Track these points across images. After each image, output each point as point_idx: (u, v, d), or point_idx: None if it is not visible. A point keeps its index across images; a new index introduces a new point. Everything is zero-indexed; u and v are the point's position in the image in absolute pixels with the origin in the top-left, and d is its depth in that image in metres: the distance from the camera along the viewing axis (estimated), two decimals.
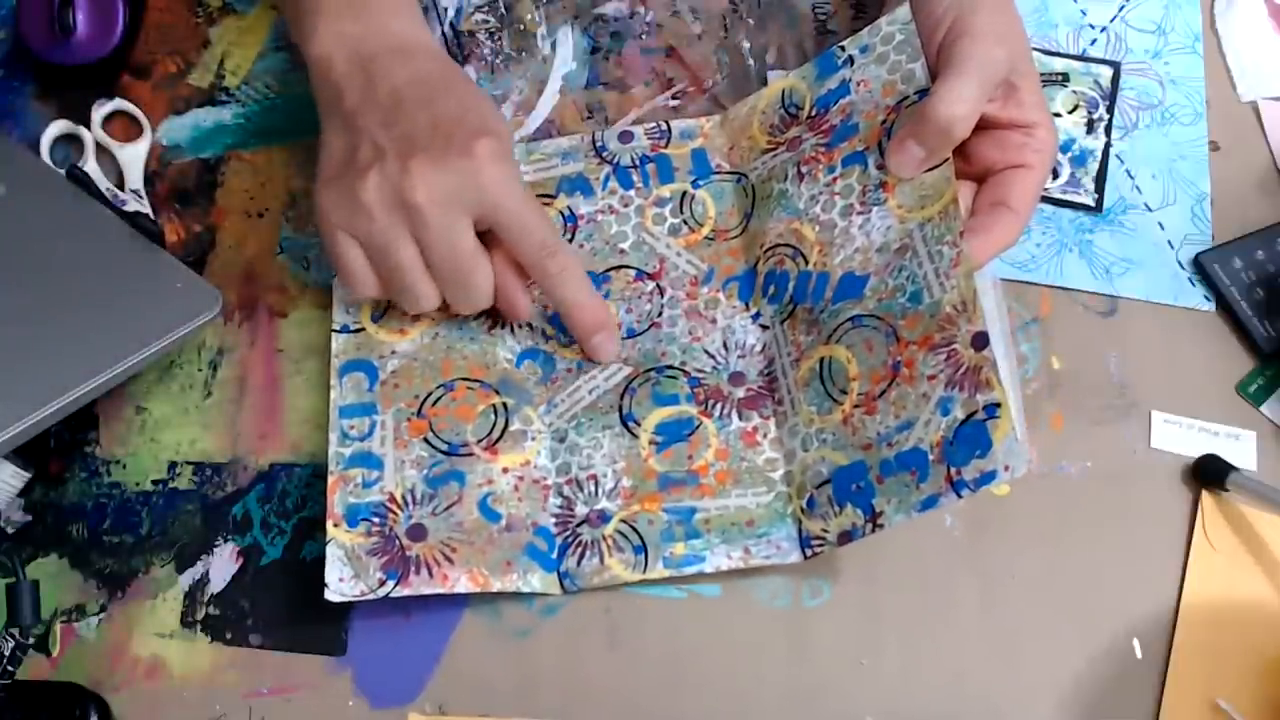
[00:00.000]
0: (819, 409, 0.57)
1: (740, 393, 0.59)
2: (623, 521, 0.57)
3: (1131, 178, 0.67)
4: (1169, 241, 0.66)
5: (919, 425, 0.52)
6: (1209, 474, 0.60)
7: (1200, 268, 0.65)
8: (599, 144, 0.66)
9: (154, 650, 0.58)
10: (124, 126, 0.68)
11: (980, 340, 0.51)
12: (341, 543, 0.55)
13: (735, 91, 0.68)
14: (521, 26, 0.70)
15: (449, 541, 0.56)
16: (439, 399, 0.59)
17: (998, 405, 0.50)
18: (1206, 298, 0.64)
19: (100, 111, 0.67)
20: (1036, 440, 0.61)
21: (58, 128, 0.67)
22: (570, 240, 0.64)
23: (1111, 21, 0.71)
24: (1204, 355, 0.63)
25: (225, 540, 0.59)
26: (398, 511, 0.56)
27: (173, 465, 0.61)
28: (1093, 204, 0.66)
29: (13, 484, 0.59)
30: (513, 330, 0.61)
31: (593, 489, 0.58)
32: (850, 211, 0.58)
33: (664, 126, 0.66)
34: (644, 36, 0.70)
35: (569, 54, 0.69)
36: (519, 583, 0.55)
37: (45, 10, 0.66)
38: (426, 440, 0.58)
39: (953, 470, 0.50)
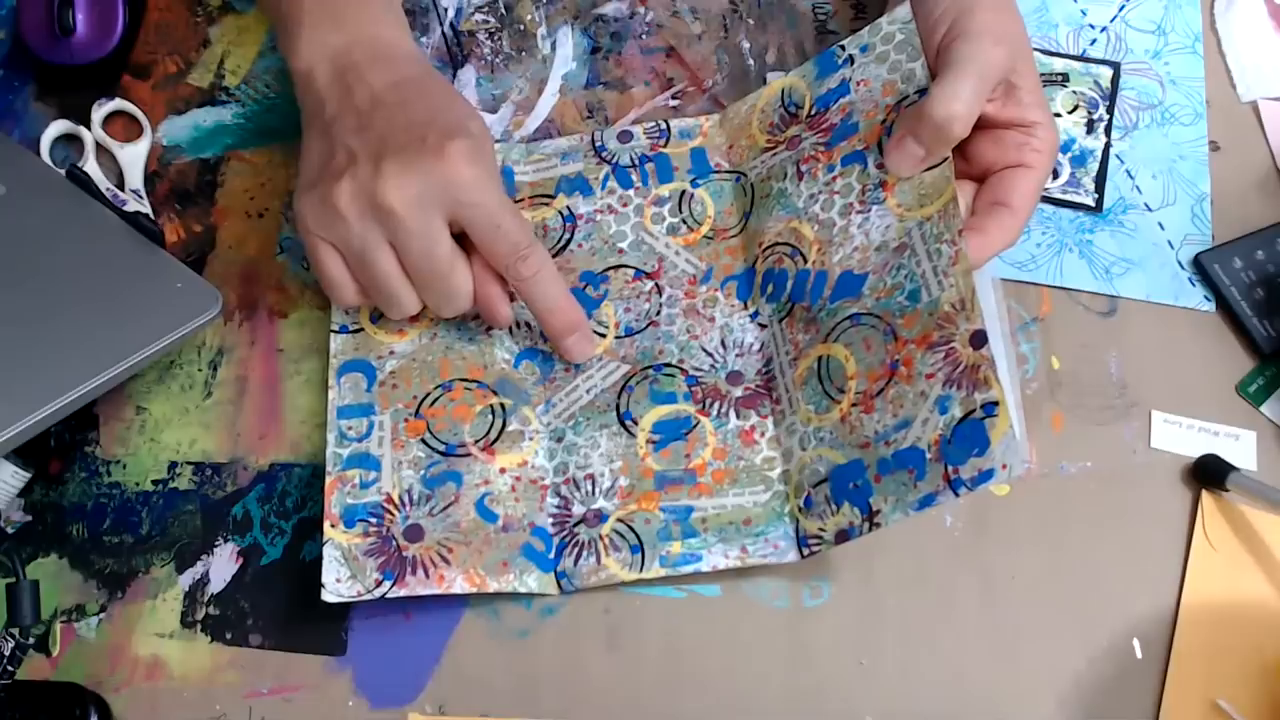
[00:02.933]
0: (817, 408, 0.56)
1: (738, 391, 0.59)
2: (619, 521, 0.57)
3: (1131, 178, 0.67)
4: (1169, 241, 0.66)
5: (917, 424, 0.52)
6: (1209, 474, 0.60)
7: (1200, 268, 0.65)
8: (598, 144, 0.66)
9: (154, 650, 0.58)
10: (124, 126, 0.68)
11: (979, 338, 0.51)
12: (338, 543, 0.55)
13: (735, 91, 0.68)
14: (521, 26, 0.70)
15: (446, 542, 0.56)
16: (436, 399, 0.59)
17: (996, 404, 0.50)
18: (1206, 298, 0.64)
19: (100, 111, 0.67)
20: (1036, 440, 0.61)
21: (58, 128, 0.67)
22: (569, 240, 0.64)
23: (1111, 21, 0.71)
24: (1204, 355, 0.63)
25: (225, 540, 0.59)
26: (395, 512, 0.56)
27: (173, 465, 0.61)
28: (1093, 204, 0.66)
29: (13, 484, 0.59)
30: (511, 330, 0.61)
31: (590, 488, 0.58)
32: (849, 210, 0.58)
33: (663, 126, 0.66)
34: (644, 36, 0.70)
35: (569, 54, 0.69)
36: (515, 583, 0.55)
37: (45, 10, 0.66)
38: (424, 441, 0.58)
39: (950, 469, 0.50)
